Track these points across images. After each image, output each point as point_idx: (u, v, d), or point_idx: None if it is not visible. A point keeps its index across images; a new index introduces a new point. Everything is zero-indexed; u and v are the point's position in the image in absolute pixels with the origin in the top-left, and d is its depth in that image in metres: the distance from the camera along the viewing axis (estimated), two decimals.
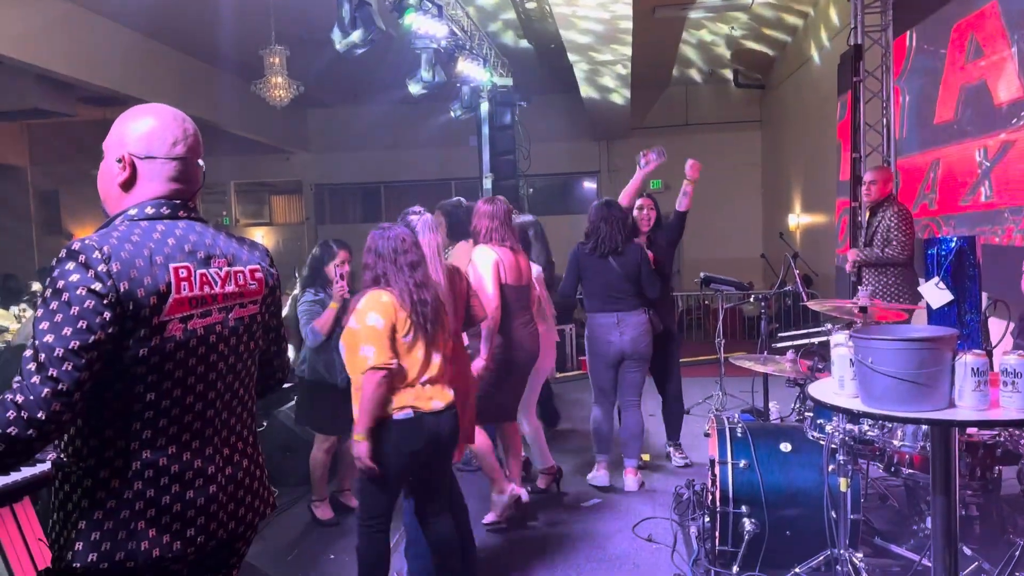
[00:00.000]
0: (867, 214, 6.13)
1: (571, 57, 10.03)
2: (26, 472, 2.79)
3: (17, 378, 1.70)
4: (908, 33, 7.38)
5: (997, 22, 5.74)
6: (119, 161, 1.92)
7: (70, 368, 1.68)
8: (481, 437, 4.54)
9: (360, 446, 3.17)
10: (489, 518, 4.71)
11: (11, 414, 1.66)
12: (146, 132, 1.92)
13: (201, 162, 2.01)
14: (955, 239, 2.79)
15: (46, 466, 2.80)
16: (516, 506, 4.70)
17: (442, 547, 3.45)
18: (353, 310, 3.27)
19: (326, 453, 4.90)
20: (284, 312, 4.26)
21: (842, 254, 5.90)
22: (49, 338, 1.69)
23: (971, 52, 6.17)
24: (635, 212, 5.50)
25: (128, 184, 1.93)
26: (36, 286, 8.74)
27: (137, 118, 1.95)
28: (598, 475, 5.31)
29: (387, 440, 3.21)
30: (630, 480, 5.25)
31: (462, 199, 5.18)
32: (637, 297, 5.19)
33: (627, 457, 5.29)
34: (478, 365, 4.38)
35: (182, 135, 1.95)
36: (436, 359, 3.33)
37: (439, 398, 3.31)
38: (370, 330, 3.16)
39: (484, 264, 4.53)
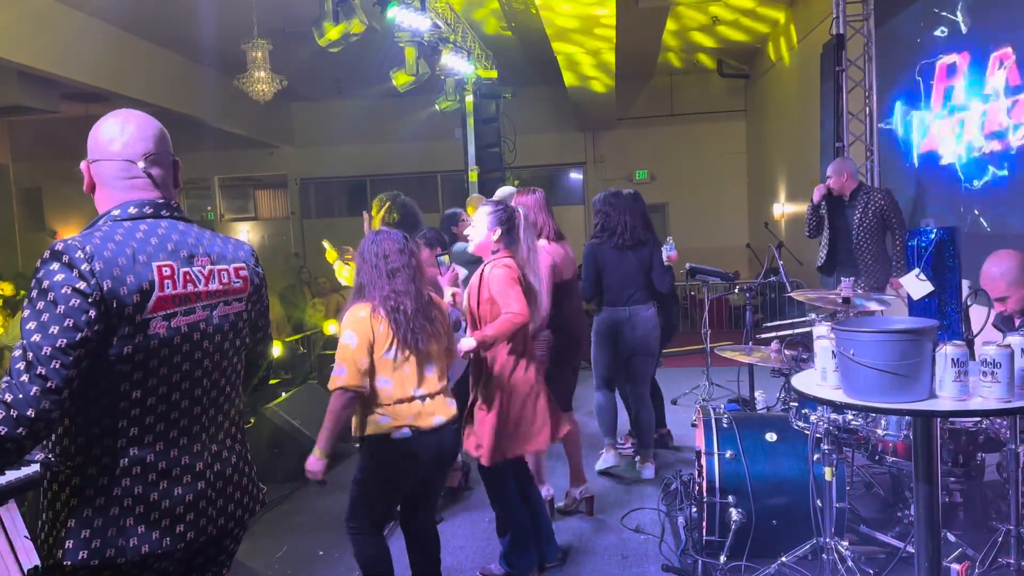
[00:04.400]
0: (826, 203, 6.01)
1: (555, 47, 10.01)
2: (10, 476, 2.78)
3: (6, 378, 1.72)
4: None
5: None
6: (86, 167, 1.98)
7: (58, 366, 1.70)
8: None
9: (318, 463, 3.11)
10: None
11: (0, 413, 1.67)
12: (105, 135, 1.97)
13: (159, 160, 1.99)
14: (935, 230, 2.81)
15: (30, 469, 2.79)
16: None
17: (419, 549, 3.43)
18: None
19: None
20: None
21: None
22: (36, 337, 1.71)
23: None
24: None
25: (92, 187, 1.99)
26: None
27: (100, 124, 2.00)
28: (607, 456, 5.38)
29: (384, 458, 3.14)
30: (648, 469, 5.33)
31: (400, 192, 5.11)
32: (647, 290, 5.24)
33: (643, 447, 5.40)
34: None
35: (140, 134, 1.97)
36: (431, 372, 3.21)
37: (441, 413, 3.19)
38: (343, 348, 3.09)
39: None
